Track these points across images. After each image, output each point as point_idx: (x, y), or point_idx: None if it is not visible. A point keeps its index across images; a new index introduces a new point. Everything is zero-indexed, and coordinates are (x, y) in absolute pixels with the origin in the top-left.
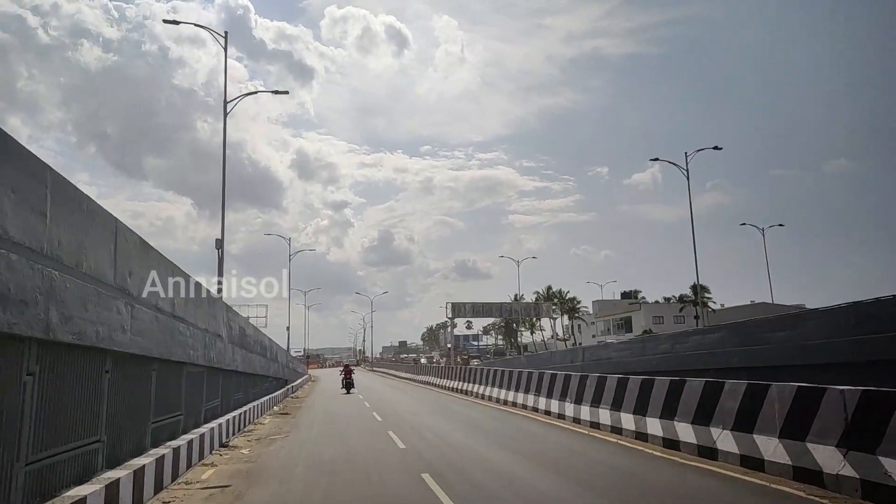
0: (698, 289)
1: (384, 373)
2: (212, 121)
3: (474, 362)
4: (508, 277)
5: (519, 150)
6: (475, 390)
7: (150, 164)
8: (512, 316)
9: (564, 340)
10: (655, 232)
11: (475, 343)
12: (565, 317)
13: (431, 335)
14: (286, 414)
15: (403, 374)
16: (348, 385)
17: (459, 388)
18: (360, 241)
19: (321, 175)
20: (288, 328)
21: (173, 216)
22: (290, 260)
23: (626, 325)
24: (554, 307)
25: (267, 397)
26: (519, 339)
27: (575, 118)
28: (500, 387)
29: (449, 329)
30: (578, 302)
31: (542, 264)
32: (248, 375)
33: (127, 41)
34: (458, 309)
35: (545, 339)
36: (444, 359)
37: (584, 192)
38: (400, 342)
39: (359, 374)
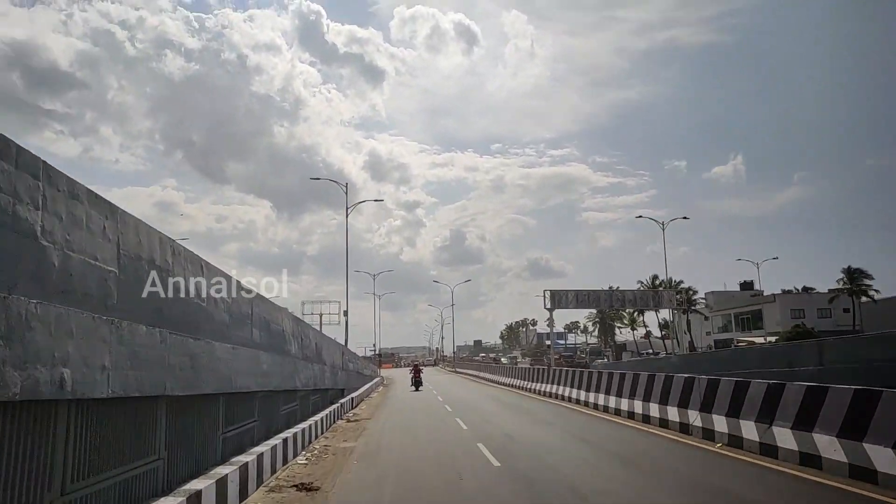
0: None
1: (475, 376)
2: (288, 125)
3: (598, 362)
4: (581, 276)
5: (591, 146)
6: (681, 419)
7: (232, 169)
8: (624, 306)
9: (673, 338)
10: (738, 227)
11: (561, 342)
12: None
13: (511, 333)
14: (308, 490)
15: (503, 380)
16: (417, 383)
17: (637, 412)
18: (433, 241)
19: (393, 176)
20: (346, 312)
21: (254, 219)
22: (346, 212)
23: (755, 320)
24: (679, 296)
25: (280, 438)
26: (615, 336)
27: (649, 111)
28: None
29: (547, 323)
30: (694, 292)
31: (615, 261)
32: (206, 400)
33: (207, 51)
34: (557, 298)
35: (650, 338)
36: (528, 358)
37: (661, 187)
38: (475, 341)
39: (441, 378)
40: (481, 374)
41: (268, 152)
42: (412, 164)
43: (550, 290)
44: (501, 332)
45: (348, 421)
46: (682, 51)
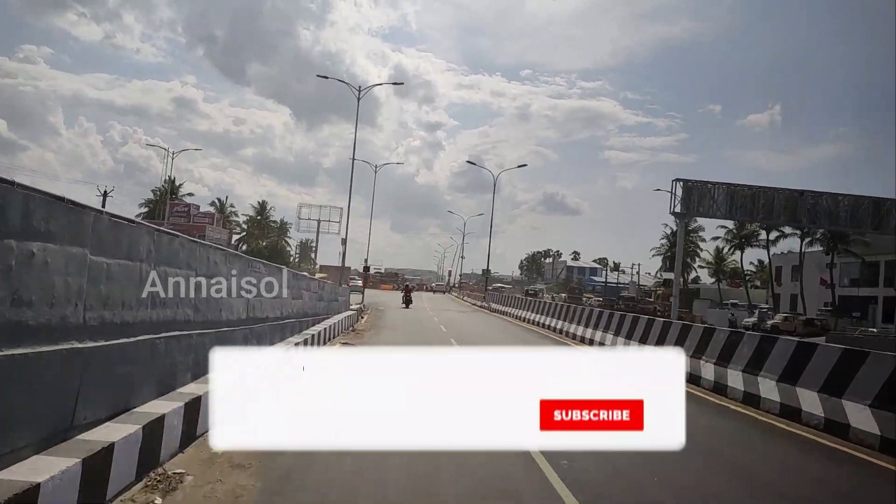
0: None
1: (549, 329)
2: (313, 28)
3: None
4: (598, 215)
5: (625, 82)
6: None
7: (253, 71)
8: (815, 221)
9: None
10: (768, 180)
11: (594, 279)
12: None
13: (533, 265)
14: None
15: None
16: (407, 301)
17: None
18: (450, 166)
19: (417, 93)
20: None
21: (272, 125)
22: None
23: None
24: None
25: None
26: (687, 275)
27: (691, 50)
28: None
29: (677, 231)
30: None
31: (632, 204)
32: None
33: None
34: (696, 197)
35: (746, 286)
36: (560, 295)
37: (691, 132)
38: (483, 270)
39: (482, 328)
40: (568, 328)
41: (291, 55)
42: (438, 82)
43: (683, 181)
44: (521, 262)
45: None
46: None
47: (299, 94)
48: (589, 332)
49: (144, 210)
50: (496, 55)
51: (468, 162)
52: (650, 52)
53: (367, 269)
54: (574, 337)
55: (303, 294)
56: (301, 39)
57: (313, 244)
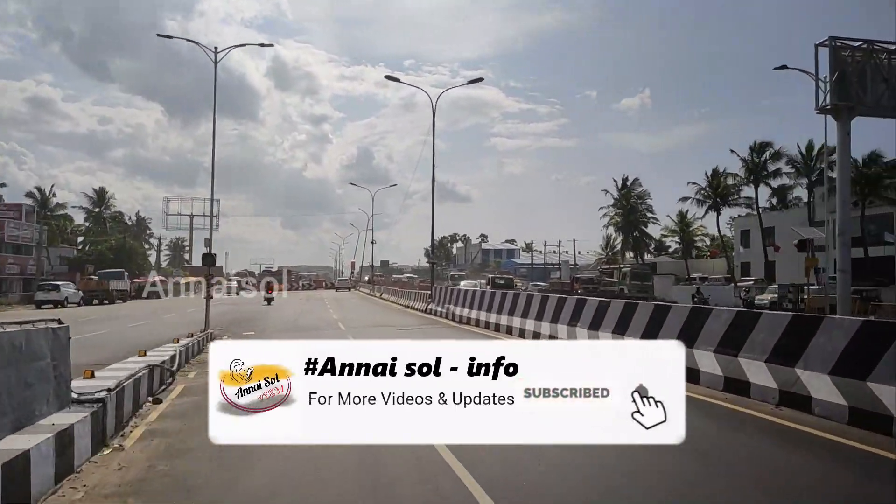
0: None
1: None
2: (181, 20)
3: None
4: (487, 202)
5: (507, 70)
6: None
7: (117, 66)
8: None
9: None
10: (635, 162)
11: (514, 262)
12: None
13: (441, 251)
14: None
15: None
16: (269, 299)
17: None
18: (339, 159)
19: (299, 85)
20: None
21: (143, 123)
22: None
23: None
24: None
25: None
26: (644, 251)
27: (567, 39)
28: None
29: (837, 142)
30: None
31: (517, 190)
32: None
33: None
34: (855, 73)
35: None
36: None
37: (570, 117)
38: (382, 262)
39: None
40: None
41: (157, 49)
42: (320, 74)
43: (835, 43)
44: (426, 250)
45: None
46: None
47: (170, 89)
48: None
49: None
50: (378, 46)
51: (387, 77)
52: (528, 41)
53: (210, 257)
54: None
55: None
56: (168, 31)
57: (186, 244)
